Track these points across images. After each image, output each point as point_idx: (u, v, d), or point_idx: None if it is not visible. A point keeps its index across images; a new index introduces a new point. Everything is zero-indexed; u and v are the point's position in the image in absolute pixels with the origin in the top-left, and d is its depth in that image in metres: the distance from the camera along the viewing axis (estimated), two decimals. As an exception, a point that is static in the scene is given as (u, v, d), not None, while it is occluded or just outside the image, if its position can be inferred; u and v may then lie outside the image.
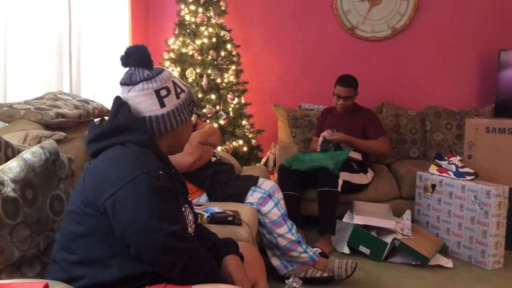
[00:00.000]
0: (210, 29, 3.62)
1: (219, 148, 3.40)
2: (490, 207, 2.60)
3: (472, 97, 4.04)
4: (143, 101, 1.31)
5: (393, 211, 3.02)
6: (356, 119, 3.27)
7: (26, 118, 1.90)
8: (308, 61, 4.14)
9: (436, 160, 2.96)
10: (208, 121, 3.47)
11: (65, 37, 2.65)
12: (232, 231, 1.87)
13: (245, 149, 3.67)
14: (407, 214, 2.88)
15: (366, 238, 2.75)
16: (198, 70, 3.57)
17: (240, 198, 2.34)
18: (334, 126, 3.21)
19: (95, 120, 2.43)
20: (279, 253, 2.38)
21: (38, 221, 1.39)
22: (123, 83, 1.34)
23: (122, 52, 1.35)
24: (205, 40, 3.59)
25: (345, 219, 2.92)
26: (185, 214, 1.31)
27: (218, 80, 3.60)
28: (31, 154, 1.43)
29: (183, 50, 3.61)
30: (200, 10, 3.62)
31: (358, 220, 2.80)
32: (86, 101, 2.31)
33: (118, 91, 1.37)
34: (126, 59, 1.34)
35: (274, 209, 2.31)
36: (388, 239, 2.72)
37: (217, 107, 3.59)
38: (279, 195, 2.50)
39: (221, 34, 3.67)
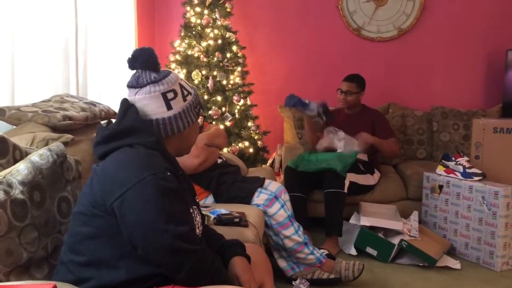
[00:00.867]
0: (216, 31, 3.63)
1: (225, 150, 3.40)
2: (498, 208, 2.58)
3: (479, 97, 4.01)
4: (150, 103, 1.31)
5: (400, 212, 3.00)
6: (364, 120, 3.26)
7: (34, 121, 1.91)
8: (314, 62, 4.14)
9: (443, 160, 2.95)
10: (214, 122, 3.48)
11: (71, 40, 2.67)
12: (238, 232, 1.87)
13: (251, 150, 3.67)
14: (414, 215, 2.87)
15: (373, 240, 2.74)
16: (204, 72, 3.57)
17: (246, 199, 2.34)
18: (342, 127, 3.21)
19: (102, 122, 2.44)
20: (285, 254, 2.38)
21: (46, 223, 1.40)
22: (130, 85, 1.34)
23: (128, 54, 1.36)
24: (211, 42, 3.59)
25: (352, 220, 2.91)
26: (193, 215, 1.32)
27: (224, 82, 3.61)
28: (38, 156, 1.44)
29: (189, 52, 3.62)
30: (206, 12, 3.63)
31: (365, 221, 2.80)
32: (93, 104, 2.32)
33: (125, 93, 1.37)
34: (133, 62, 1.35)
35: (281, 211, 2.31)
36: (395, 240, 2.71)
37: (223, 109, 3.60)
38: (285, 196, 2.50)
39: (226, 35, 3.68)
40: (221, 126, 3.40)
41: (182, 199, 1.25)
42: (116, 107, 2.84)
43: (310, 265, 2.37)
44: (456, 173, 2.84)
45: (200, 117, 1.45)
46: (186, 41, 3.66)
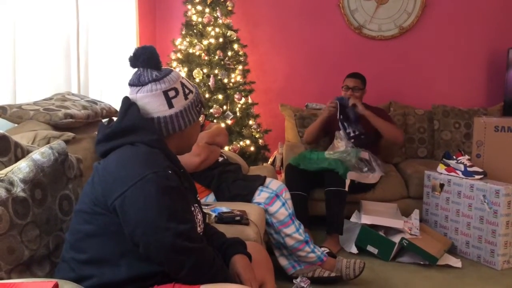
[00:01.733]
0: (217, 29, 3.63)
1: (226, 148, 3.40)
2: (499, 207, 2.58)
3: (480, 96, 4.01)
4: (151, 102, 1.32)
5: (401, 211, 3.01)
6: (366, 118, 3.25)
7: (35, 119, 1.91)
8: (315, 60, 4.13)
9: (444, 159, 2.95)
10: (215, 121, 3.48)
11: (73, 38, 2.67)
12: (239, 231, 1.87)
13: (252, 149, 3.67)
14: (415, 214, 2.87)
15: (374, 238, 2.75)
16: (205, 70, 3.58)
17: (247, 197, 2.35)
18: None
19: (103, 120, 2.44)
20: (286, 253, 2.38)
21: (47, 221, 1.40)
22: (132, 84, 1.35)
23: (129, 52, 1.36)
24: (212, 40, 3.60)
25: (353, 218, 2.91)
26: (194, 213, 1.32)
27: (225, 80, 3.61)
28: (40, 154, 1.44)
29: (190, 50, 3.63)
30: (207, 10, 3.63)
31: (366, 219, 2.80)
32: (94, 102, 2.33)
33: (126, 91, 1.38)
34: (135, 60, 1.35)
35: (282, 209, 2.31)
36: (396, 239, 2.71)
37: (224, 107, 3.60)
38: (286, 194, 2.50)
39: (228, 34, 3.68)
40: (222, 125, 3.40)
41: (184, 197, 1.25)
42: (117, 105, 2.84)
43: (311, 263, 2.38)
44: (457, 171, 2.84)
45: (202, 115, 1.45)
46: (188, 39, 3.66)
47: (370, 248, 2.76)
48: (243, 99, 3.70)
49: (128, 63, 1.37)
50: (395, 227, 2.76)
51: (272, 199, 2.33)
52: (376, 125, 3.15)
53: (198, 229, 1.33)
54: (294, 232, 2.31)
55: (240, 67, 3.75)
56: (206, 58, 3.59)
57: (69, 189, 1.54)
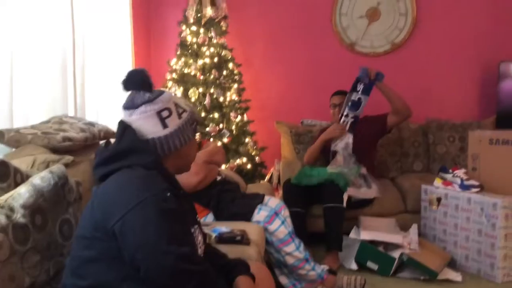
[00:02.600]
0: (212, 49, 3.66)
1: (223, 166, 3.40)
2: (497, 219, 2.59)
3: (474, 109, 4.05)
4: (145, 123, 1.32)
5: (399, 226, 3.01)
6: (361, 130, 3.27)
7: (33, 143, 1.91)
8: (309, 77, 4.17)
9: (440, 173, 2.96)
10: (212, 139, 3.49)
11: (69, 61, 2.69)
12: (240, 251, 1.86)
13: (249, 166, 3.68)
14: (414, 228, 2.87)
15: (373, 254, 2.74)
16: (200, 90, 3.60)
17: (246, 216, 2.34)
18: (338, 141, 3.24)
19: (101, 142, 2.44)
20: (287, 271, 2.37)
21: (48, 246, 1.40)
22: (126, 107, 1.36)
23: (124, 74, 1.38)
24: (207, 60, 3.62)
25: (352, 234, 2.91)
26: (194, 235, 1.32)
27: (221, 99, 3.63)
28: (40, 179, 1.44)
29: (186, 70, 3.65)
30: (202, 30, 3.67)
31: (365, 235, 2.79)
32: (92, 124, 2.33)
33: (121, 112, 1.39)
34: (127, 83, 1.36)
35: (281, 227, 2.31)
36: (396, 254, 2.70)
37: (221, 125, 3.61)
38: (285, 212, 2.50)
39: (222, 53, 3.71)
40: (219, 143, 3.41)
41: (183, 219, 1.25)
42: (114, 126, 2.85)
43: (312, 281, 2.37)
44: (454, 185, 2.85)
45: (198, 133, 1.46)
46: (183, 59, 3.69)
47: (370, 264, 2.75)
48: (239, 117, 3.71)
49: (121, 86, 1.38)
50: (394, 242, 2.76)
51: (272, 217, 2.33)
52: (389, 96, 3.16)
53: (199, 250, 1.32)
54: (294, 250, 2.30)
55: (235, 85, 3.78)
56: (201, 77, 3.61)
57: (69, 213, 1.54)
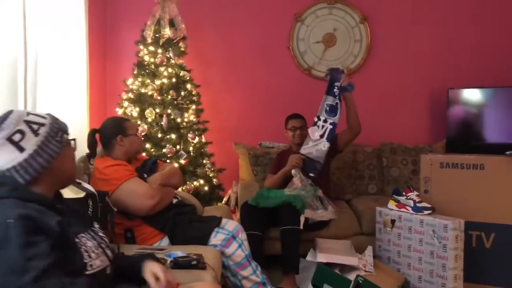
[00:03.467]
0: (170, 69, 3.63)
1: (180, 189, 3.34)
2: (448, 241, 2.66)
3: (425, 134, 4.21)
4: (0, 154, 1.27)
5: (355, 247, 3.03)
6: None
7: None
8: (267, 100, 4.21)
9: (394, 195, 3.03)
10: (168, 161, 3.43)
11: (20, 78, 2.58)
12: (196, 275, 1.82)
13: (206, 188, 3.64)
14: (369, 250, 2.90)
15: (330, 276, 2.74)
16: (157, 110, 3.55)
17: (203, 240, 2.30)
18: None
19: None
20: (244, 295, 2.34)
21: None
22: None
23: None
24: (165, 80, 3.59)
25: (309, 257, 2.91)
26: (81, 243, 1.27)
27: (178, 120, 3.59)
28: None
29: (143, 90, 3.60)
30: (160, 51, 3.64)
31: (322, 258, 2.80)
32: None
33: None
34: None
35: (238, 251, 2.28)
36: (352, 276, 2.71)
37: (178, 147, 3.57)
38: (242, 235, 2.47)
39: (180, 74, 3.69)
40: (176, 165, 3.35)
41: (33, 243, 1.15)
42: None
43: (269, 305, 2.34)
44: (407, 207, 2.92)
45: (72, 141, 1.41)
46: (140, 79, 3.64)
47: (326, 287, 2.75)
48: (197, 138, 3.68)
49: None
50: (350, 264, 2.78)
51: (229, 240, 2.30)
52: (351, 109, 3.21)
53: (88, 259, 1.26)
54: (251, 274, 2.28)
55: (194, 106, 3.75)
56: (158, 97, 3.57)
57: None
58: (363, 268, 2.75)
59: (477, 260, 2.87)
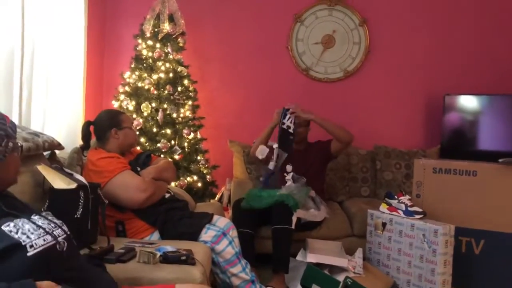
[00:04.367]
0: (167, 64, 3.63)
1: (173, 184, 3.34)
2: (437, 246, 2.67)
3: (419, 138, 4.22)
4: None
5: (345, 249, 3.04)
6: (310, 155, 3.33)
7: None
8: (264, 99, 4.21)
9: (386, 199, 3.04)
10: (162, 155, 3.43)
11: (16, 68, 2.57)
12: (185, 271, 1.82)
13: (199, 184, 3.64)
14: (359, 252, 2.91)
15: (319, 277, 2.75)
16: (154, 105, 3.55)
17: (194, 236, 2.30)
18: (289, 162, 3.26)
19: (45, 153, 2.34)
20: (232, 293, 2.34)
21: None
22: None
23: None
24: (162, 75, 3.59)
25: (299, 257, 2.91)
26: (14, 229, 1.23)
27: (174, 115, 3.59)
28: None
29: (139, 84, 3.59)
30: (158, 45, 3.64)
31: (312, 258, 2.80)
32: (36, 134, 2.23)
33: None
34: None
35: (228, 248, 2.28)
36: (341, 278, 2.72)
37: (172, 142, 3.56)
38: (233, 233, 2.47)
39: (178, 69, 3.69)
40: (170, 160, 3.35)
41: None
42: (60, 138, 2.74)
43: (257, 303, 2.34)
44: (399, 211, 2.93)
45: (18, 147, 1.40)
46: (137, 73, 3.63)
47: (315, 287, 2.76)
48: (192, 134, 3.68)
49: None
50: (340, 265, 2.79)
51: (219, 237, 2.30)
52: (326, 127, 3.19)
53: (27, 240, 1.22)
54: (240, 272, 2.28)
55: (190, 102, 3.75)
56: (155, 92, 3.56)
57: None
58: (353, 270, 2.76)
59: (466, 266, 2.88)
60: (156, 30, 3.66)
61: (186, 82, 3.72)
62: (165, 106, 3.55)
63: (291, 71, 4.22)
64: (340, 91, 4.22)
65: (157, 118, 3.51)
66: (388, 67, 4.22)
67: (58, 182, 1.98)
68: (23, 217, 1.30)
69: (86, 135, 2.51)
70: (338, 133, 3.22)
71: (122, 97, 3.62)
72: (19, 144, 1.43)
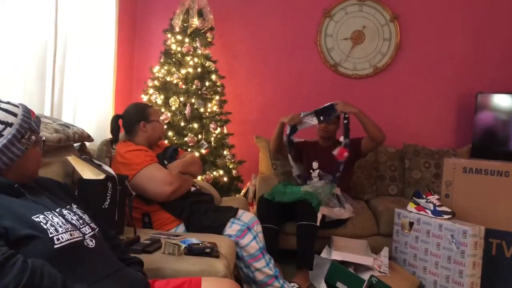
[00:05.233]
0: (196, 59, 3.65)
1: (199, 178, 3.37)
2: (466, 247, 2.62)
3: (450, 137, 4.13)
4: None
5: (370, 248, 3.01)
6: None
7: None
8: (291, 94, 4.19)
9: (414, 198, 2.99)
10: (189, 150, 3.46)
11: (49, 58, 2.64)
12: (209, 263, 1.83)
13: (225, 179, 3.65)
14: (385, 251, 2.88)
15: (343, 275, 2.73)
16: (181, 99, 3.58)
17: (218, 229, 2.31)
18: (316, 159, 3.25)
19: (75, 145, 2.40)
20: (256, 287, 2.34)
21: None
22: None
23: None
24: (190, 70, 3.61)
25: (323, 254, 2.90)
26: (45, 220, 1.26)
27: (202, 110, 3.61)
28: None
29: (168, 79, 3.63)
30: (187, 40, 3.67)
31: (336, 255, 2.79)
32: (67, 125, 2.28)
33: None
34: None
35: (253, 242, 2.28)
36: (366, 276, 2.70)
37: (199, 136, 3.59)
38: (258, 227, 2.47)
39: (206, 64, 3.71)
40: (197, 154, 3.38)
41: None
42: (91, 130, 2.80)
43: (280, 299, 2.34)
44: (427, 210, 2.88)
45: (41, 141, 1.42)
46: (166, 67, 3.67)
47: (339, 285, 2.74)
48: (219, 129, 3.70)
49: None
50: (365, 264, 2.76)
51: (244, 231, 2.30)
52: (367, 124, 3.17)
53: (55, 233, 1.24)
54: (264, 267, 2.28)
55: (217, 97, 3.77)
56: (183, 86, 3.60)
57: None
58: (378, 269, 2.73)
59: (495, 269, 2.81)
60: (185, 25, 3.69)
61: (213, 77, 3.74)
62: (193, 100, 3.58)
63: (319, 66, 4.19)
64: (369, 87, 4.17)
65: (185, 112, 3.54)
66: (419, 64, 4.13)
67: (87, 172, 2.03)
68: (54, 210, 1.33)
69: (114, 129, 2.55)
70: (375, 131, 3.17)
71: (151, 91, 3.67)
72: (42, 139, 1.45)
